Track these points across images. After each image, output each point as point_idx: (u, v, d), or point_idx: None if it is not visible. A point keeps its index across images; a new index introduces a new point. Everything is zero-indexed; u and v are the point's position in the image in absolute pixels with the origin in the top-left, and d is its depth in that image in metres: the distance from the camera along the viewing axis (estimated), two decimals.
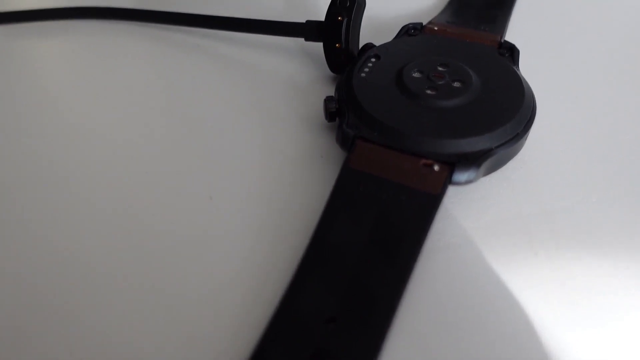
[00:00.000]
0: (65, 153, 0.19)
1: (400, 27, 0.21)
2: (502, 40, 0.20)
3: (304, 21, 0.21)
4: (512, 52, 0.20)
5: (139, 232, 0.16)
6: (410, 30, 0.21)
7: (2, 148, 0.19)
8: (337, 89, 0.19)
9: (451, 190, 0.16)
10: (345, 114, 0.17)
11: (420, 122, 0.16)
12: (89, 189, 0.17)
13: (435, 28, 0.21)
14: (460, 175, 0.15)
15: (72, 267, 0.15)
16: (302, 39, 0.21)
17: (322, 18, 0.20)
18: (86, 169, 0.18)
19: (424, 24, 0.22)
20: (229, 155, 0.19)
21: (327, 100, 0.18)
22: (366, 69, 0.19)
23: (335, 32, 0.20)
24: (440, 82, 0.17)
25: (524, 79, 0.18)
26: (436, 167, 0.15)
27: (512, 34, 0.23)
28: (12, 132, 0.20)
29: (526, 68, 0.19)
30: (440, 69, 0.18)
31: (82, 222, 0.16)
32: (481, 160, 0.15)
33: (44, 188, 0.18)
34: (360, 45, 0.21)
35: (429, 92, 0.17)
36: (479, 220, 0.16)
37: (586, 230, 0.16)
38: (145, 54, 0.24)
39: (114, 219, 0.16)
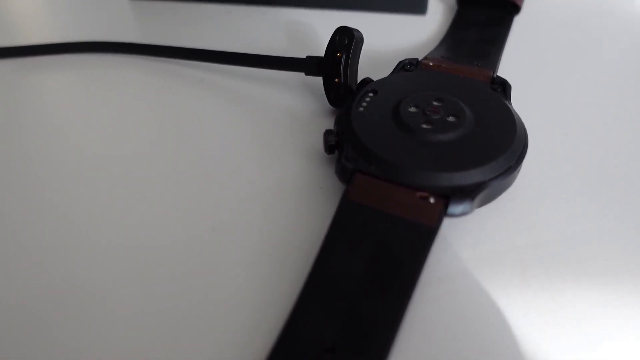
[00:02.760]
0: (71, 184, 0.19)
1: (397, 62, 0.22)
2: (495, 76, 0.21)
3: (304, 56, 0.22)
4: (504, 87, 0.20)
5: (143, 262, 0.16)
6: (407, 66, 0.22)
7: (10, 180, 0.20)
8: (336, 123, 0.19)
9: (447, 222, 0.17)
10: (344, 147, 0.18)
11: (416, 155, 0.17)
12: (95, 220, 0.18)
13: (431, 63, 0.22)
14: (455, 208, 0.15)
15: (76, 296, 0.15)
16: (303, 74, 0.22)
17: (322, 54, 0.21)
18: (91, 199, 0.19)
19: (420, 59, 0.23)
20: (231, 187, 0.19)
21: (327, 133, 0.18)
22: (364, 104, 0.19)
23: (334, 68, 0.21)
24: (435, 117, 0.18)
25: (516, 113, 0.19)
26: (432, 200, 0.16)
27: (504, 70, 0.23)
28: (21, 164, 0.21)
29: (518, 102, 0.20)
30: (435, 103, 0.19)
31: (87, 252, 0.17)
32: (475, 192, 0.16)
33: (51, 219, 0.18)
34: (359, 80, 0.21)
35: (424, 126, 0.18)
36: (474, 252, 0.16)
37: (577, 261, 0.16)
38: (151, 86, 0.25)
39: (117, 251, 0.17)
